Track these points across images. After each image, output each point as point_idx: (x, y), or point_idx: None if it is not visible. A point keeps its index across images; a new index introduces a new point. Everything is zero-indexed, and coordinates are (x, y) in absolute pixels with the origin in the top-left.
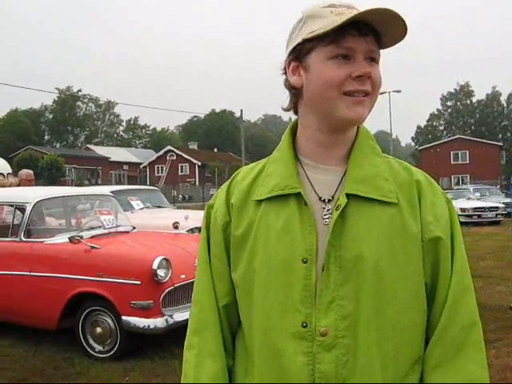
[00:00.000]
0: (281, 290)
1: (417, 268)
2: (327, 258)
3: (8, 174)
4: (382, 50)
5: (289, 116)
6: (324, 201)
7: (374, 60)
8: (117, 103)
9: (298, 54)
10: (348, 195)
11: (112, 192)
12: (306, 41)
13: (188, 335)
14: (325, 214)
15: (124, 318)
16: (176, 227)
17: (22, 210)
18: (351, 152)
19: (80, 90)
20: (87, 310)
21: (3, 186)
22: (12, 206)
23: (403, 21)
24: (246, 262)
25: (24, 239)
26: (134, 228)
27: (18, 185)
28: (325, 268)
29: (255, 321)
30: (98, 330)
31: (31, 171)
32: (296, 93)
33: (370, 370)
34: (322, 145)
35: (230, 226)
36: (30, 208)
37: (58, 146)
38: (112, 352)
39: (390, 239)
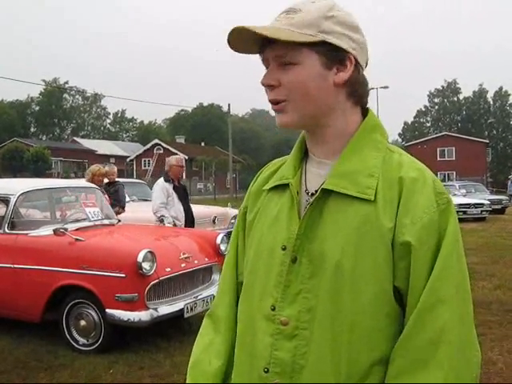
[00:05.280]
0: (263, 273)
1: (384, 271)
2: (299, 251)
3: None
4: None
5: None
6: (308, 193)
7: (289, 63)
8: (104, 96)
9: None
10: (327, 190)
11: None
12: None
13: (215, 299)
14: (305, 207)
15: (108, 310)
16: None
17: (6, 201)
18: (345, 146)
19: (67, 82)
20: (71, 303)
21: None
22: None
23: (260, 33)
24: (248, 246)
25: (8, 231)
26: (120, 221)
27: (167, 172)
28: (297, 260)
29: (241, 301)
30: (82, 322)
31: (175, 157)
32: None
33: (321, 366)
34: (311, 140)
35: (246, 212)
36: (14, 200)
37: (44, 139)
38: (96, 345)
39: (358, 239)
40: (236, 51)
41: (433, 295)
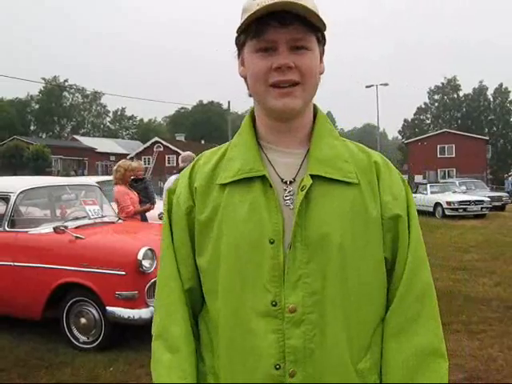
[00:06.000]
0: (249, 270)
1: (377, 245)
2: (294, 238)
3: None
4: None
5: None
6: (286, 182)
7: (302, 48)
8: (104, 94)
9: (238, 47)
10: (312, 176)
11: (98, 183)
12: (240, 34)
13: (158, 319)
14: (286, 196)
15: (108, 308)
16: (161, 218)
17: (6, 199)
18: (312, 135)
19: (66, 80)
20: (72, 301)
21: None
22: None
23: (310, 9)
24: (212, 245)
25: (8, 229)
26: (120, 218)
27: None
28: (292, 247)
29: (224, 302)
30: (83, 320)
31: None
32: (246, 82)
33: (338, 344)
34: (276, 130)
35: (193, 211)
36: (14, 198)
37: (43, 137)
38: (96, 343)
39: (352, 218)
40: (245, 29)
41: (416, 258)
